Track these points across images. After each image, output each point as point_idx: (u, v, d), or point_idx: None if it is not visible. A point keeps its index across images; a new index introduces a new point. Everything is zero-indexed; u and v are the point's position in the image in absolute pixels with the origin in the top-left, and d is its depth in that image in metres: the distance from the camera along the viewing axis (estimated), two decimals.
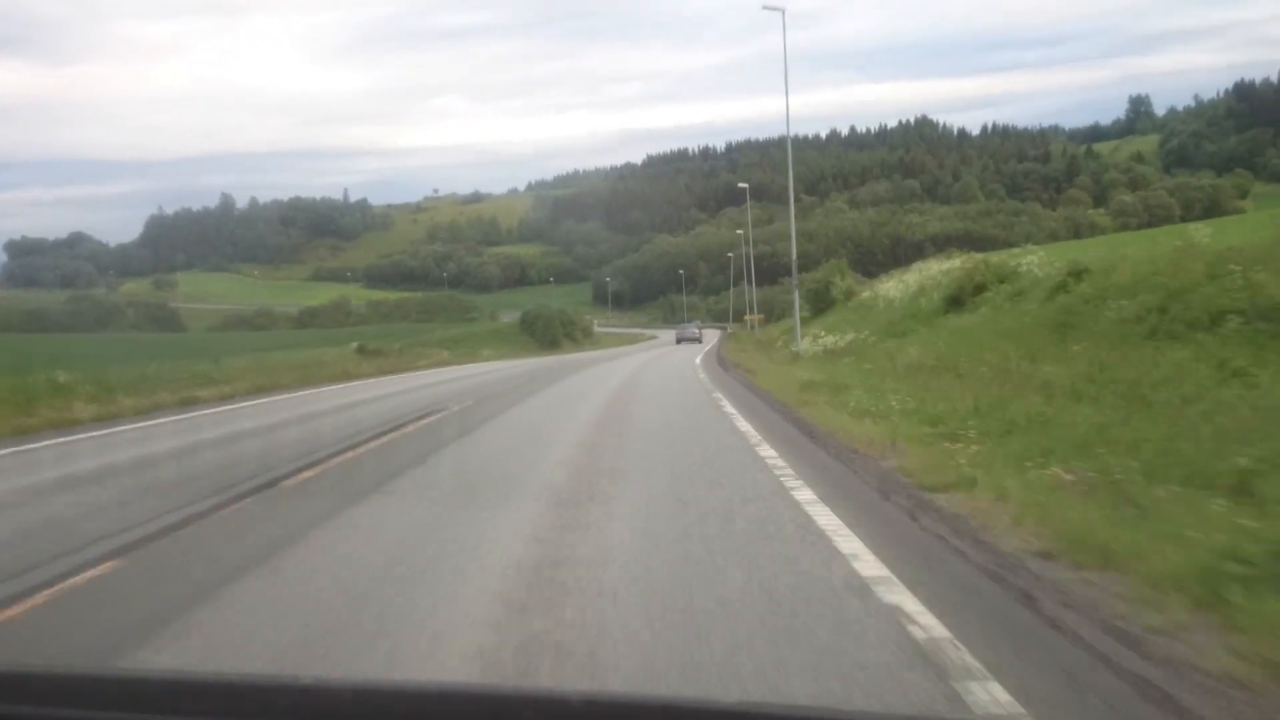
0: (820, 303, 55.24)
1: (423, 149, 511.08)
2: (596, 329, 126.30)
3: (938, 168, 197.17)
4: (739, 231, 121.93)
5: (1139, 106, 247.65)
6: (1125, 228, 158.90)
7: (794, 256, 30.83)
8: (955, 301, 25.62)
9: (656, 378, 23.44)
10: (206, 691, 1.55)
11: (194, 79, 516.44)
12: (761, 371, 21.33)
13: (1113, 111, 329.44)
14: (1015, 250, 28.71)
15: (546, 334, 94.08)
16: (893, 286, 37.90)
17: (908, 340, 24.01)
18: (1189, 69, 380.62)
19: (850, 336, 27.12)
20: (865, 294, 45.23)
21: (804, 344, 28.77)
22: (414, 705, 1.43)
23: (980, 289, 24.56)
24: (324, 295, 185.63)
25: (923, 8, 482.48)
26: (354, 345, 64.72)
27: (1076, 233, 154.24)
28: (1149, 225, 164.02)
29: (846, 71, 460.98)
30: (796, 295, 32.59)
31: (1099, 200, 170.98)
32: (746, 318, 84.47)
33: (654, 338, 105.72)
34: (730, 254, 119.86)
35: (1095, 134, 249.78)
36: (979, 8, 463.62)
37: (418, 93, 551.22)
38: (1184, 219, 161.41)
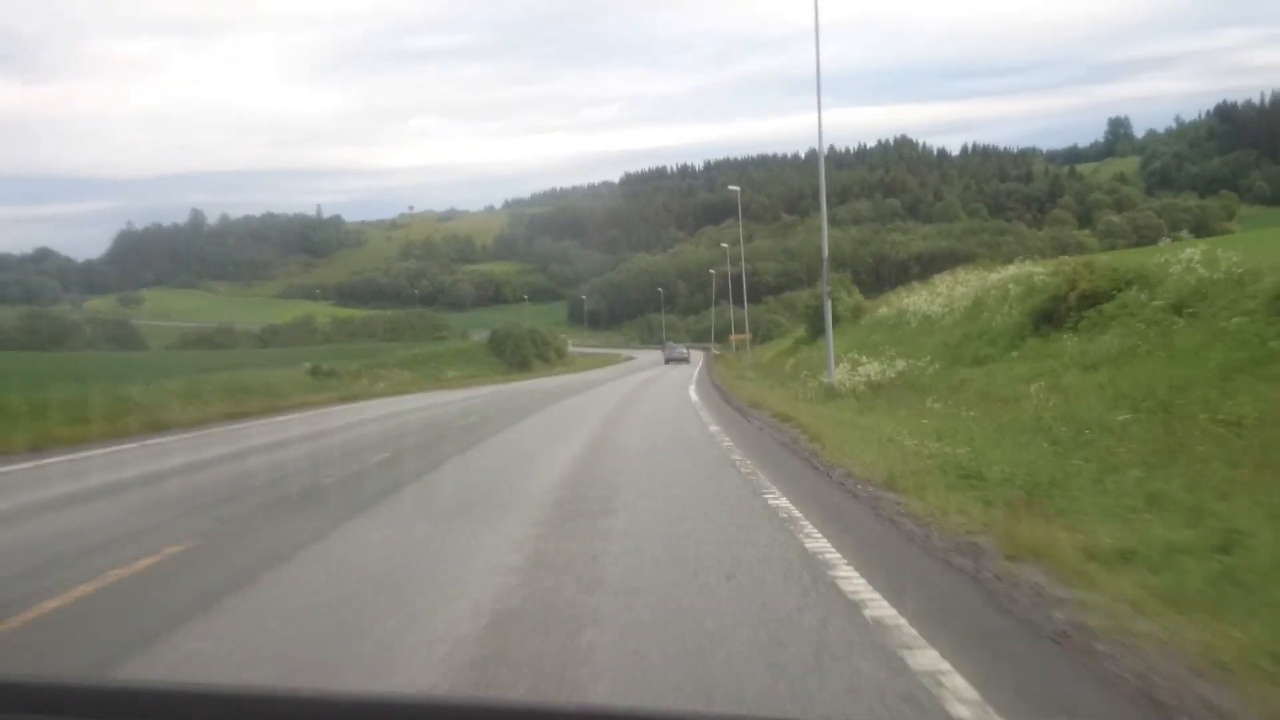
0: (820, 321, 48.37)
1: (401, 169, 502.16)
2: (571, 349, 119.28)
3: (919, 187, 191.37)
4: (724, 245, 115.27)
5: (1118, 129, 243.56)
6: (1113, 248, 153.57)
7: (825, 256, 23.67)
8: (1048, 318, 18.60)
9: (647, 433, 15.55)
10: (207, 702, 1.52)
11: (171, 97, 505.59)
12: (807, 421, 14.00)
13: (1090, 135, 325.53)
14: (1161, 245, 21.73)
15: (516, 354, 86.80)
16: (924, 300, 30.90)
17: (997, 371, 16.89)
18: (1153, 96, 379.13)
19: (900, 364, 19.98)
20: (882, 310, 38.24)
21: (837, 373, 21.52)
22: (409, 716, 1.38)
23: (1089, 300, 17.52)
24: (294, 313, 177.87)
25: (893, 36, 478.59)
26: (307, 366, 59.30)
27: (1064, 252, 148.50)
28: (1137, 245, 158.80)
29: (809, 97, 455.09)
30: (829, 305, 25.28)
31: (1084, 221, 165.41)
32: (731, 338, 77.37)
33: (631, 359, 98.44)
34: (712, 270, 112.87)
35: (1073, 156, 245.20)
36: (948, 37, 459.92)
37: (395, 113, 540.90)
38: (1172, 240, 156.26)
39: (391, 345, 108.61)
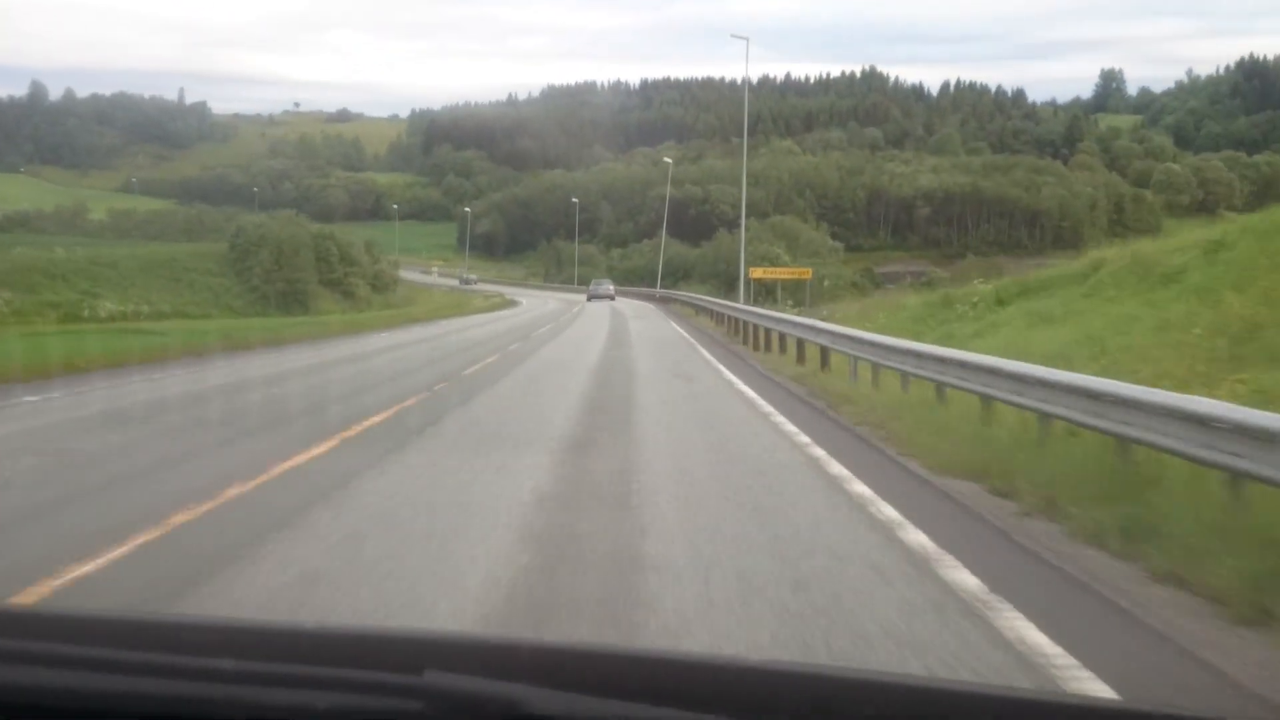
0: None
1: (316, 83, 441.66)
2: (434, 279, 75.94)
3: (904, 117, 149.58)
4: (667, 160, 71.14)
5: (1110, 82, 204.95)
6: (1173, 205, 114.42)
7: None
8: None
9: None
10: (200, 634, 1.50)
11: None
12: None
13: (1071, 90, 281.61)
14: None
15: (277, 279, 41.93)
16: None
17: None
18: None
19: None
20: None
21: None
22: (410, 652, 1.38)
23: None
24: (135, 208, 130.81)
25: None
26: None
27: (1120, 206, 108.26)
28: (1205, 204, 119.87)
29: (752, 49, 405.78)
30: None
31: (1113, 170, 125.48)
32: (753, 274, 34.28)
33: (514, 303, 55.04)
34: (668, 159, 68.63)
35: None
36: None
37: (315, 23, 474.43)
38: (1256, 200, 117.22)
39: (171, 248, 65.65)
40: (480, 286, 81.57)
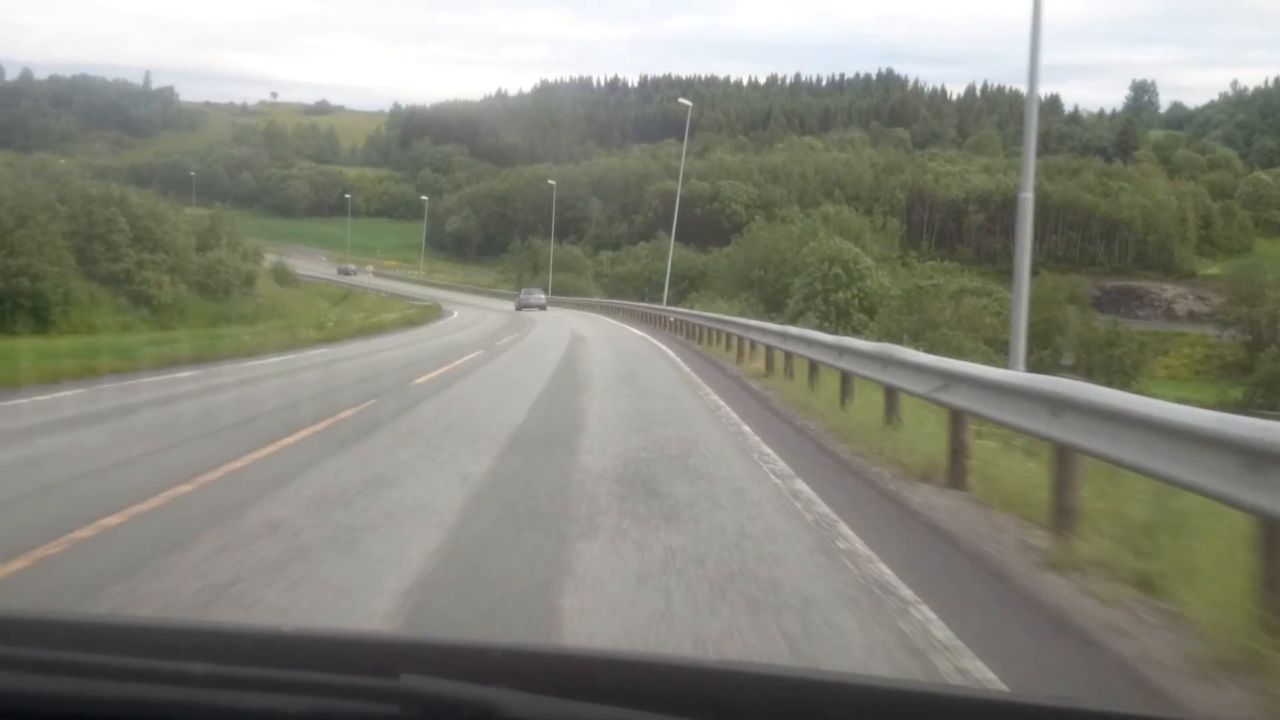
0: None
1: (311, 85, 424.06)
2: (364, 279, 57.49)
3: (933, 117, 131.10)
4: (682, 102, 51.68)
5: (1142, 94, 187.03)
6: (1262, 221, 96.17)
7: None
8: None
9: None
10: (178, 637, 1.44)
11: None
12: None
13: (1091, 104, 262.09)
14: None
15: None
16: None
17: None
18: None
19: None
20: None
21: None
22: (386, 655, 1.36)
23: None
24: None
25: (824, 13, 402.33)
26: None
27: (1207, 221, 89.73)
28: None
29: (747, 63, 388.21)
30: None
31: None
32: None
33: (447, 314, 36.81)
34: (684, 100, 49.31)
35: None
36: (882, 20, 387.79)
37: (311, 26, 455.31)
38: None
39: None
40: (360, 279, 69.00)
